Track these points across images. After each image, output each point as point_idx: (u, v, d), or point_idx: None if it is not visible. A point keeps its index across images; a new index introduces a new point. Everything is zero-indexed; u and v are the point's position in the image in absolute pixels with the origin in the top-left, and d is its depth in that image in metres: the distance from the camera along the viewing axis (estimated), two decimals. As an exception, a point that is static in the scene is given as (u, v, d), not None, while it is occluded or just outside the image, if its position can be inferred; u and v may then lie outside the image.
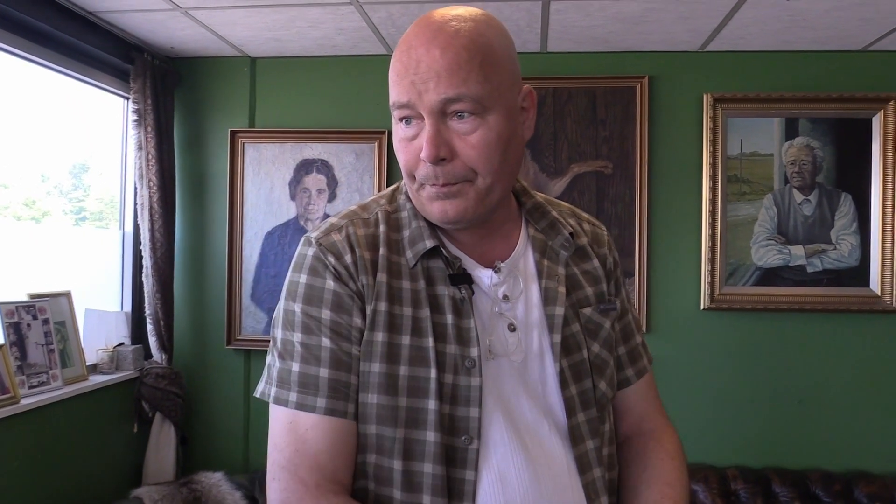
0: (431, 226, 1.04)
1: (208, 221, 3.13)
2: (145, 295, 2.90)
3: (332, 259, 0.99)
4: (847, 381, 2.91)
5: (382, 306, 0.99)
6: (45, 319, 2.50)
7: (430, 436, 0.95)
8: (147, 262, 2.88)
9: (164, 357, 2.92)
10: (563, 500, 0.99)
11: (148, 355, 2.97)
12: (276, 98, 3.12)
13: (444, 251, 1.02)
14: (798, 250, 2.92)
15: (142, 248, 2.89)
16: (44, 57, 2.52)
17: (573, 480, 1.01)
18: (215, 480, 2.78)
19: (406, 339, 0.98)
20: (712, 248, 2.92)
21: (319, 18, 2.63)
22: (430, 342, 0.98)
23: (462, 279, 1.02)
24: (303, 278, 1.00)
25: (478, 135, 0.96)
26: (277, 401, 0.98)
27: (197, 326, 3.12)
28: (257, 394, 1.02)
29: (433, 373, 0.97)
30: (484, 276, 1.04)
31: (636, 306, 2.94)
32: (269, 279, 3.06)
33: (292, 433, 0.96)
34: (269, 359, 1.02)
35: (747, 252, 2.94)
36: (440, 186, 0.97)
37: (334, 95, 3.10)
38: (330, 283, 0.99)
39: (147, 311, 2.91)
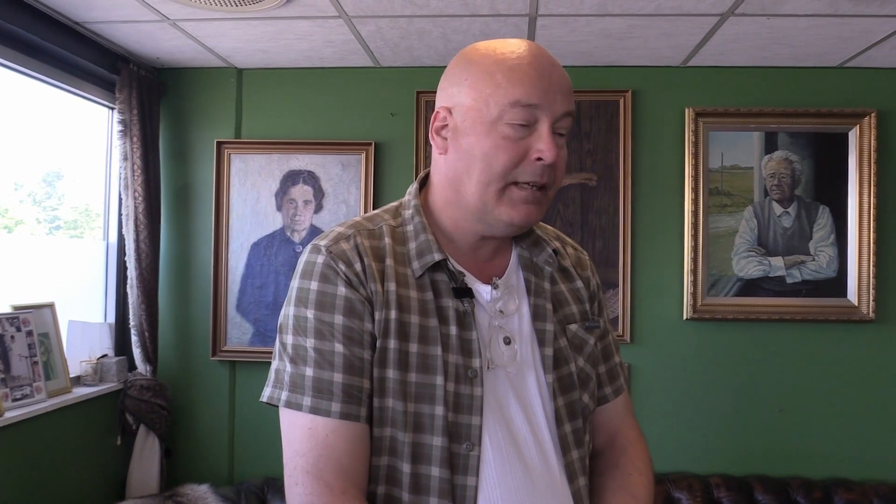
0: (437, 241, 1.09)
1: (194, 232, 3.12)
2: (130, 306, 2.88)
3: (342, 266, 1.03)
4: (826, 390, 2.97)
5: (393, 314, 1.02)
6: (28, 331, 2.47)
7: (437, 440, 1.00)
8: (132, 272, 2.86)
9: (148, 369, 2.90)
10: None
11: (132, 367, 2.95)
12: (263, 109, 3.13)
13: (449, 265, 1.07)
14: (778, 261, 2.98)
15: (126, 258, 2.88)
16: (29, 67, 2.51)
17: (563, 489, 1.07)
18: (200, 493, 2.76)
19: (414, 347, 1.02)
20: (694, 260, 2.97)
21: (308, 31, 2.65)
22: (439, 350, 1.02)
23: (464, 293, 1.07)
24: (314, 285, 1.02)
25: (564, 152, 1.08)
26: (290, 405, 1.00)
27: (182, 338, 3.10)
28: (264, 398, 1.03)
29: (440, 380, 1.01)
30: (483, 292, 1.10)
31: (620, 316, 2.98)
32: (254, 290, 3.05)
33: (313, 438, 0.98)
34: (275, 364, 1.04)
35: (728, 263, 2.99)
36: (535, 190, 1.04)
37: (321, 107, 3.11)
38: (342, 290, 1.02)
39: (131, 323, 2.89)
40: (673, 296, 3.00)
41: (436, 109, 1.09)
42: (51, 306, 2.64)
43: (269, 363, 1.06)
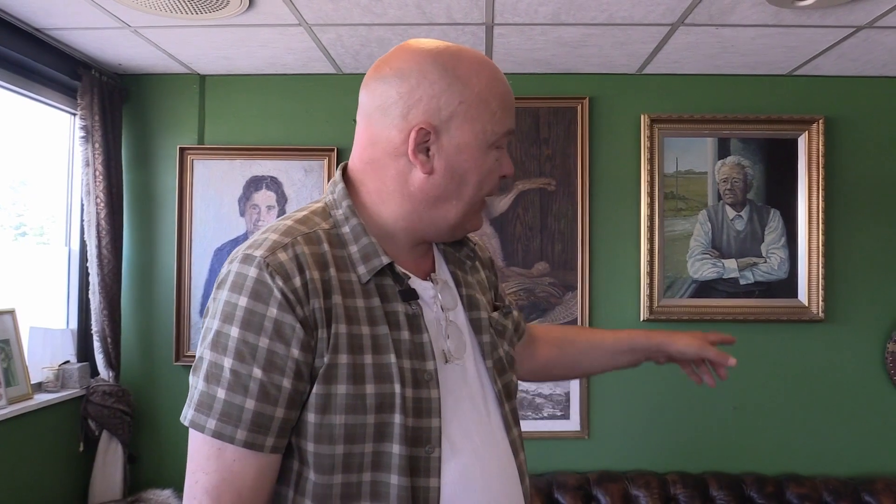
0: (380, 244, 1.06)
1: (156, 238, 3.12)
2: (92, 312, 2.88)
3: (279, 282, 0.95)
4: (778, 388, 3.06)
5: (342, 328, 0.98)
6: (-12, 338, 2.47)
7: (396, 448, 0.99)
8: (94, 278, 2.86)
9: (111, 374, 2.90)
10: (510, 486, 1.10)
11: (94, 373, 2.94)
12: (226, 115, 3.15)
13: (395, 268, 1.05)
14: (731, 264, 3.07)
15: (88, 264, 2.88)
16: (-12, 73, 2.51)
17: (511, 465, 1.12)
18: (164, 498, 2.76)
19: (368, 358, 0.99)
20: (651, 262, 3.05)
21: (269, 38, 2.68)
22: (393, 359, 1.00)
23: (411, 295, 1.06)
24: (242, 301, 0.96)
25: None
26: (194, 425, 0.96)
27: (145, 343, 3.11)
28: (184, 420, 0.99)
29: (398, 388, 0.99)
30: (427, 289, 1.11)
31: (578, 318, 3.04)
32: (218, 295, 3.06)
33: (220, 460, 0.96)
34: (190, 378, 1.00)
35: (684, 266, 3.07)
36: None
37: (284, 113, 3.14)
38: (273, 311, 0.95)
39: (94, 329, 2.88)
40: (630, 298, 3.08)
41: (413, 123, 1.02)
42: (11, 312, 2.63)
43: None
